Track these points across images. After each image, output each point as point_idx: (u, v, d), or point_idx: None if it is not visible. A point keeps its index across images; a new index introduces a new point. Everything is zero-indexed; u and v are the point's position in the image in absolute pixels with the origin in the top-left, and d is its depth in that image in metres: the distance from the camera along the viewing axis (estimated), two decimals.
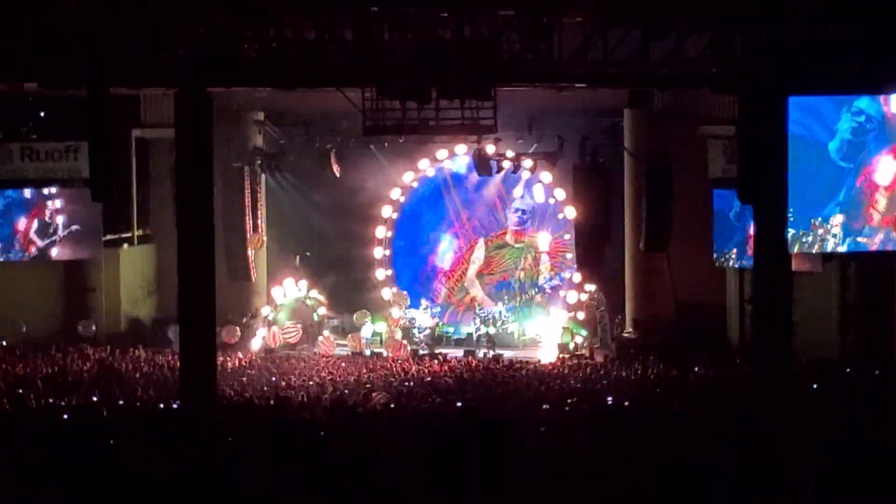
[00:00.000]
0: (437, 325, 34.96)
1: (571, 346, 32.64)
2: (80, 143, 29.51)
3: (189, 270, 20.60)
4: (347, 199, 36.46)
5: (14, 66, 20.64)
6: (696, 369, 26.88)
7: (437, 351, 32.70)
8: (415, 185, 36.51)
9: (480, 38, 20.25)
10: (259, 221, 32.86)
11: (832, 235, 24.21)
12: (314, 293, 35.05)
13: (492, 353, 32.56)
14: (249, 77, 21.54)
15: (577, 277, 33.93)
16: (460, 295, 36.71)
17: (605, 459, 14.62)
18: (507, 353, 32.50)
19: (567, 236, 35.20)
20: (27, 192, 31.61)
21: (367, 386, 24.68)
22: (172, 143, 23.72)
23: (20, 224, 31.63)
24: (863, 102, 22.86)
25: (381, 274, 36.75)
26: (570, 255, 35.25)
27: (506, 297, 35.74)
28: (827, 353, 27.62)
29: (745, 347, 29.51)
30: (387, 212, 36.57)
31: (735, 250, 30.48)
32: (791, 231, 22.22)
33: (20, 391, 22.54)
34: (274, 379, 26.07)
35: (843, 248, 24.48)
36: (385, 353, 32.50)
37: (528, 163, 32.45)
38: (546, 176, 34.01)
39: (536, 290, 36.43)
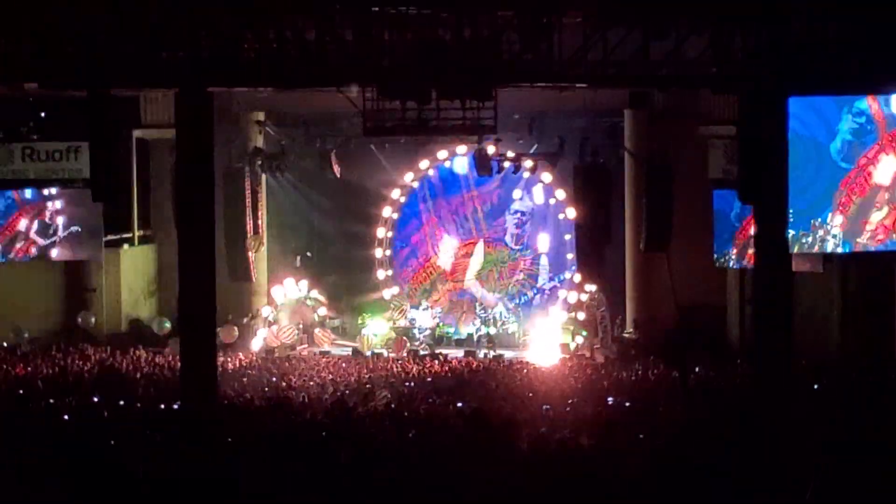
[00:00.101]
0: (437, 325, 34.97)
1: (572, 346, 32.65)
2: (81, 143, 29.51)
3: (189, 271, 20.62)
4: (348, 199, 36.46)
5: (15, 67, 20.65)
6: (697, 370, 26.87)
7: (437, 351, 32.71)
8: (415, 185, 36.52)
9: (480, 39, 20.27)
10: (259, 222, 32.85)
11: (832, 236, 24.23)
12: (314, 293, 35.05)
13: (492, 353, 32.56)
14: (250, 77, 21.55)
15: (578, 278, 33.93)
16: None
17: (606, 459, 14.62)
18: (508, 354, 32.50)
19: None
20: (28, 193, 31.60)
21: (368, 386, 24.68)
22: (173, 144, 23.77)
23: (20, 224, 31.62)
24: (863, 103, 22.87)
25: (381, 274, 36.76)
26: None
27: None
28: (827, 353, 27.61)
29: (745, 348, 29.50)
30: (387, 212, 36.58)
31: (735, 251, 30.48)
32: (791, 232, 22.24)
33: (21, 392, 22.55)
34: (274, 379, 26.07)
35: (842, 249, 24.52)
36: (385, 354, 32.51)
37: (528, 163, 32.41)
38: (546, 176, 34.00)
39: (535, 291, 36.45)
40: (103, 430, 17.36)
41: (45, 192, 31.56)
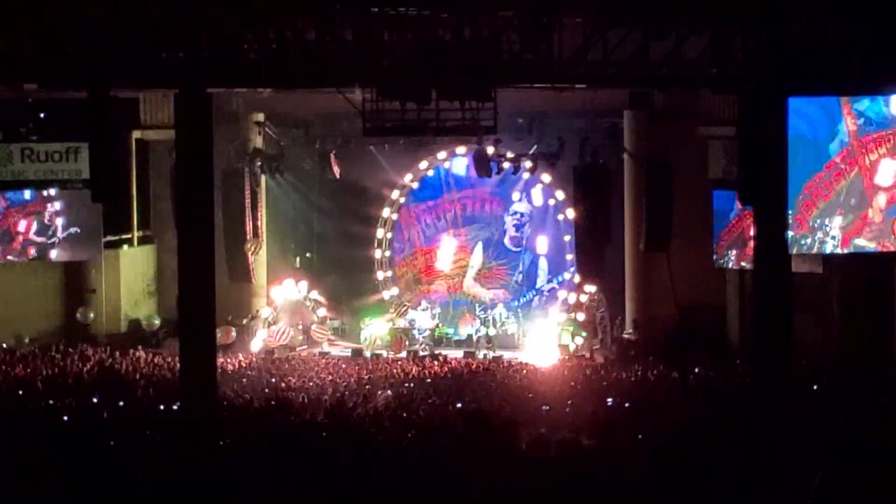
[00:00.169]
0: (437, 326, 34.97)
1: (572, 347, 32.65)
2: (80, 144, 29.55)
3: (189, 271, 20.60)
4: (347, 200, 36.47)
5: (14, 67, 20.64)
6: (697, 370, 26.86)
7: (437, 352, 32.72)
8: (415, 185, 36.54)
9: (480, 39, 20.26)
10: (259, 223, 32.85)
11: (831, 238, 24.23)
12: (314, 294, 35.04)
13: (492, 354, 32.56)
14: (249, 78, 21.57)
15: (577, 279, 33.93)
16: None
17: (606, 459, 14.61)
18: (507, 355, 32.50)
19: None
20: (27, 194, 31.60)
21: (368, 387, 24.68)
22: (172, 145, 23.75)
23: (20, 225, 31.62)
24: (863, 104, 22.87)
25: (380, 275, 36.77)
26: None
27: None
28: (827, 354, 27.60)
29: (745, 348, 29.50)
30: (386, 213, 36.58)
31: (735, 251, 30.49)
32: (790, 233, 22.23)
33: (20, 392, 22.54)
34: (274, 380, 26.07)
35: (842, 250, 24.52)
36: (385, 355, 32.53)
37: (527, 164, 32.41)
38: (545, 177, 34.02)
39: (534, 292, 36.48)
40: (103, 430, 17.35)
41: (44, 193, 31.56)
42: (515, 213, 36.38)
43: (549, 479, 13.52)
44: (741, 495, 12.82)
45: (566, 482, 13.42)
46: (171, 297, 31.25)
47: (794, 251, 23.32)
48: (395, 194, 36.44)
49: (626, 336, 32.84)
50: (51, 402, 21.00)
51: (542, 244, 36.16)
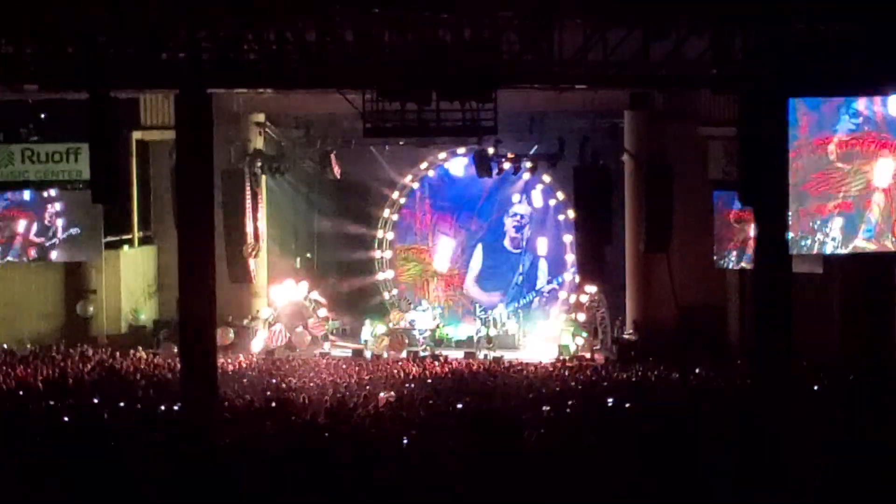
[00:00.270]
0: (437, 326, 34.98)
1: (572, 347, 32.65)
2: (81, 144, 29.57)
3: (189, 272, 20.59)
4: (348, 200, 36.50)
5: (15, 68, 20.63)
6: (697, 370, 26.86)
7: (437, 353, 32.73)
8: (415, 186, 36.56)
9: (481, 40, 20.26)
10: (259, 223, 32.84)
11: (831, 239, 24.24)
12: (314, 294, 35.03)
13: (492, 355, 32.56)
14: (250, 78, 21.56)
15: (577, 279, 33.93)
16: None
17: (606, 459, 14.63)
18: (508, 355, 32.49)
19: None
20: (27, 194, 31.61)
21: (368, 387, 24.68)
22: (173, 145, 23.76)
23: (20, 226, 31.63)
24: (860, 104, 22.88)
25: (381, 275, 36.79)
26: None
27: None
28: (827, 354, 27.60)
29: (745, 348, 29.49)
30: (387, 213, 36.60)
31: (735, 252, 30.49)
32: (790, 234, 22.23)
33: (21, 393, 22.54)
34: (274, 381, 26.07)
35: (842, 251, 24.53)
36: (385, 355, 32.53)
37: (528, 164, 32.41)
38: (545, 178, 34.03)
39: (534, 293, 36.51)
40: (103, 431, 17.36)
41: (44, 194, 31.58)
42: (515, 214, 36.39)
43: (549, 479, 13.53)
44: (741, 495, 12.84)
45: (566, 482, 13.44)
46: (171, 297, 31.29)
47: (795, 252, 23.34)
48: (395, 194, 36.45)
49: (626, 336, 32.82)
50: (51, 402, 21.01)
51: (542, 245, 36.18)
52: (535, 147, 32.10)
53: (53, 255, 31.97)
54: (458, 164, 35.99)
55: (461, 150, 34.65)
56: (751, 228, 26.83)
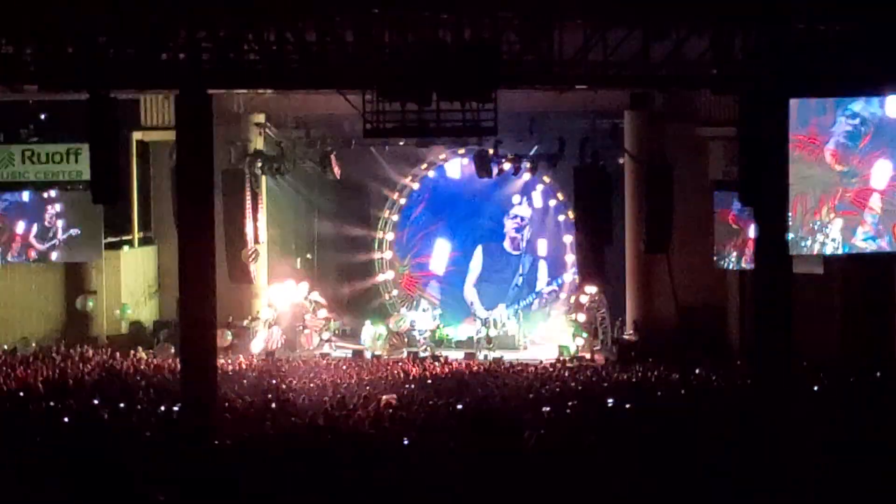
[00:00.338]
0: (437, 327, 34.98)
1: (572, 348, 32.66)
2: (81, 145, 29.58)
3: (190, 273, 20.60)
4: (348, 201, 36.50)
5: (15, 69, 20.64)
6: (697, 371, 26.86)
7: (437, 353, 32.73)
8: (415, 186, 36.56)
9: (481, 40, 20.26)
10: (259, 224, 32.83)
11: (832, 240, 24.25)
12: (315, 295, 35.03)
13: (492, 355, 32.56)
14: (250, 79, 21.57)
15: (577, 280, 33.94)
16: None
17: (606, 460, 14.63)
18: (508, 356, 32.48)
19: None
20: (26, 196, 31.61)
21: (368, 388, 24.67)
22: (173, 146, 23.75)
23: (20, 227, 31.64)
24: (858, 105, 22.89)
25: (381, 276, 36.79)
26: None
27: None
28: (827, 354, 27.61)
29: (745, 348, 29.50)
30: (387, 214, 36.60)
31: (735, 252, 30.50)
32: (791, 235, 22.24)
33: (21, 394, 22.54)
34: (274, 381, 26.05)
35: (842, 251, 24.54)
36: (385, 356, 32.54)
37: (528, 164, 32.40)
38: (545, 178, 34.04)
39: (535, 295, 36.52)
40: (103, 431, 17.36)
41: (44, 195, 31.58)
42: (516, 216, 36.41)
43: (549, 480, 13.53)
44: (741, 495, 12.84)
45: (566, 483, 13.44)
46: (172, 298, 31.31)
47: (795, 252, 23.35)
48: (395, 195, 36.46)
49: (626, 337, 32.83)
50: (51, 403, 21.00)
51: (543, 246, 36.20)
52: (536, 147, 32.10)
53: (54, 255, 31.98)
54: (455, 167, 35.99)
55: (461, 151, 34.64)
56: (751, 229, 26.83)
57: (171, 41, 20.11)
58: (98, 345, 31.79)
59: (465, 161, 34.68)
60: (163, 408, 20.93)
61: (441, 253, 36.87)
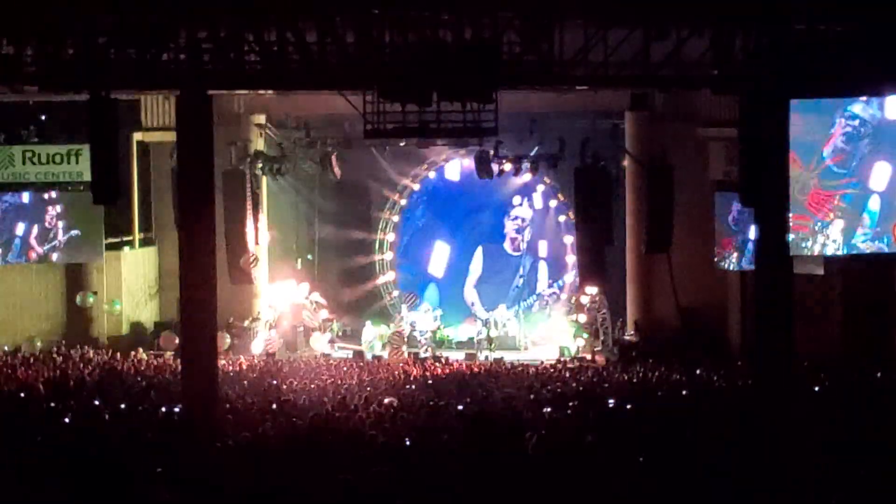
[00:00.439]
0: (438, 327, 34.99)
1: (573, 348, 32.67)
2: (82, 146, 29.60)
3: (190, 274, 20.61)
4: (348, 201, 36.52)
5: (16, 70, 20.64)
6: (698, 371, 26.86)
7: (438, 354, 32.74)
8: (416, 187, 36.58)
9: (481, 41, 20.25)
10: (259, 225, 32.84)
11: (832, 241, 24.28)
12: (315, 296, 35.04)
13: (493, 356, 32.56)
14: (250, 80, 21.56)
15: (578, 281, 33.94)
16: None
17: (606, 460, 14.62)
18: (509, 356, 32.49)
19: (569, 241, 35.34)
20: (25, 198, 31.62)
21: (369, 389, 24.67)
22: (173, 147, 23.75)
23: (21, 228, 31.65)
24: (857, 107, 22.91)
25: (381, 278, 36.81)
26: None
27: None
28: (828, 354, 27.62)
29: (746, 349, 29.50)
30: (387, 214, 36.61)
31: (736, 253, 30.51)
32: (791, 235, 22.24)
33: (22, 395, 22.53)
34: (275, 382, 26.05)
35: (842, 252, 24.57)
36: (386, 356, 32.54)
37: (528, 165, 32.39)
38: (546, 179, 34.05)
39: (535, 297, 36.54)
40: (104, 432, 17.35)
41: (45, 196, 31.59)
42: (516, 217, 36.42)
43: (550, 480, 13.53)
44: (741, 495, 12.82)
45: (567, 483, 13.43)
46: (172, 299, 31.31)
47: (795, 253, 23.38)
48: (396, 196, 36.48)
49: (627, 337, 32.84)
50: (52, 404, 20.99)
51: (543, 247, 36.22)
52: (536, 148, 32.09)
53: (54, 256, 31.99)
54: (455, 168, 36.02)
55: (462, 152, 34.65)
56: (751, 229, 26.84)
57: (171, 42, 20.11)
58: (99, 345, 31.80)
59: (466, 161, 34.65)
60: (164, 408, 20.92)
61: (440, 255, 36.87)
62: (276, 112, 33.62)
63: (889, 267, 27.87)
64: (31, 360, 28.49)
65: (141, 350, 31.20)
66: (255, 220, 32.53)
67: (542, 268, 36.56)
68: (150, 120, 32.66)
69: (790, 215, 21.81)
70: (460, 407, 21.04)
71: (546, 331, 35.27)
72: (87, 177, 23.11)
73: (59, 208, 31.65)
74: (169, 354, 30.29)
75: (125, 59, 20.02)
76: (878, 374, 24.97)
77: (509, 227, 36.55)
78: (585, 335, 33.18)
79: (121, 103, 21.50)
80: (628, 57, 20.55)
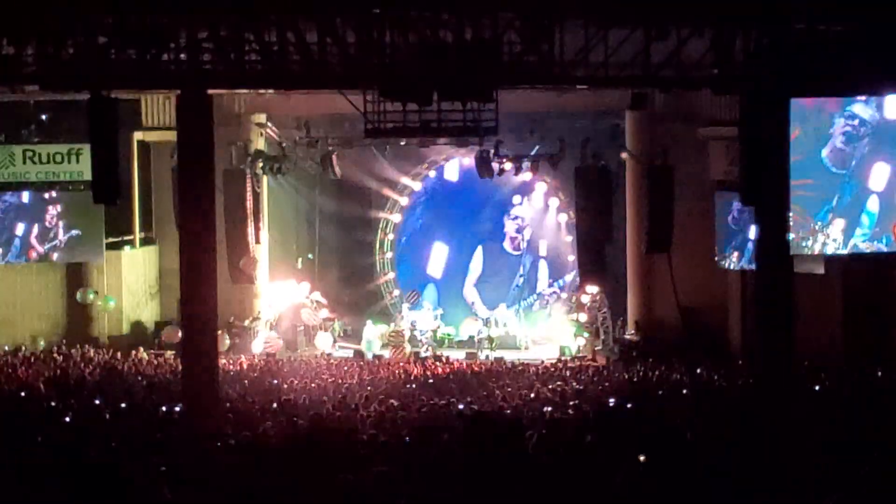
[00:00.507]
0: (438, 327, 35.02)
1: (574, 348, 32.68)
2: (82, 145, 29.60)
3: (191, 273, 20.61)
4: (349, 201, 36.54)
5: (16, 69, 20.64)
6: (698, 370, 26.86)
7: (439, 353, 32.76)
8: (417, 187, 36.60)
9: (482, 40, 20.25)
10: (260, 224, 32.86)
11: (832, 240, 24.29)
12: (316, 295, 35.06)
13: (493, 355, 32.58)
14: (251, 79, 21.55)
15: (579, 280, 33.97)
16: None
17: (606, 460, 14.62)
18: (509, 356, 32.51)
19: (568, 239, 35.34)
20: (25, 197, 31.62)
21: (370, 388, 24.68)
22: (174, 146, 23.74)
23: (21, 228, 31.65)
24: (857, 106, 22.92)
25: (382, 277, 36.82)
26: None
27: None
28: (828, 354, 27.63)
29: (746, 348, 29.51)
30: (388, 214, 36.63)
31: (736, 252, 30.53)
32: (791, 235, 22.25)
33: (22, 394, 22.55)
34: (276, 382, 26.07)
35: (843, 252, 24.58)
36: (386, 356, 32.56)
37: (529, 164, 32.41)
38: (546, 179, 34.06)
39: (536, 296, 36.56)
40: (104, 432, 17.36)
41: (45, 196, 31.60)
42: (516, 216, 36.44)
43: (550, 479, 13.53)
44: (741, 495, 12.83)
45: (567, 483, 13.43)
46: (173, 299, 31.33)
47: (796, 252, 23.39)
48: (396, 195, 36.50)
49: (627, 337, 32.85)
50: (52, 403, 21.01)
51: (543, 246, 36.23)
52: (536, 147, 32.11)
53: (55, 256, 32.00)
54: (454, 167, 36.03)
55: (462, 151, 34.67)
56: (751, 229, 26.86)
57: (171, 41, 20.10)
58: (99, 345, 31.82)
59: (466, 161, 34.66)
60: (164, 408, 20.94)
61: (438, 256, 36.91)
62: (276, 112, 33.62)
63: (890, 267, 27.86)
64: (32, 359, 28.51)
65: (141, 349, 31.20)
66: (256, 219, 32.55)
67: (543, 267, 36.59)
68: (150, 119, 32.69)
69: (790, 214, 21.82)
70: (461, 406, 21.05)
71: (547, 330, 35.28)
72: (88, 176, 23.12)
73: (59, 208, 31.66)
74: (170, 354, 30.26)
75: (125, 58, 20.02)
76: (878, 374, 24.97)
77: (509, 226, 36.58)
78: (586, 334, 33.20)
79: (121, 103, 21.45)
80: (629, 57, 20.54)
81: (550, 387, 24.55)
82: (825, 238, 25.08)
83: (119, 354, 29.93)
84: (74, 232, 31.66)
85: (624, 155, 32.51)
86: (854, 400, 20.72)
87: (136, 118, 32.32)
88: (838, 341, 28.87)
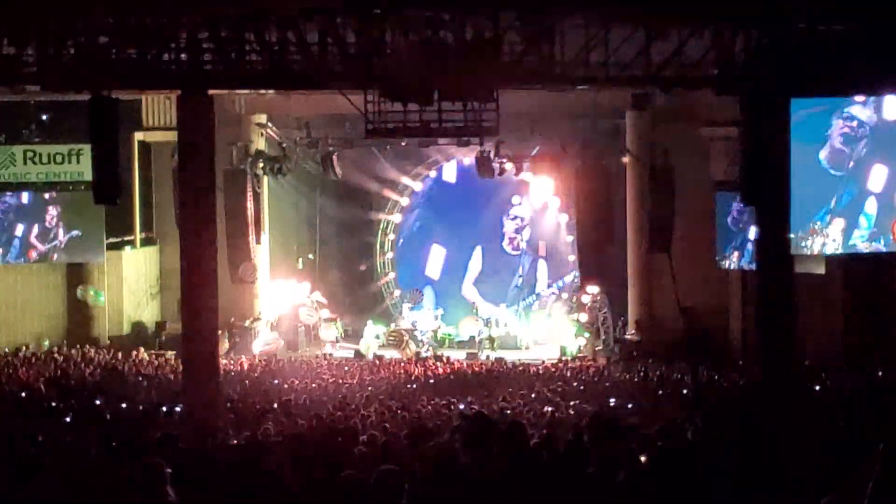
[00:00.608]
0: (439, 327, 35.03)
1: (574, 348, 32.68)
2: (83, 146, 29.60)
3: (192, 273, 20.62)
4: (349, 201, 36.55)
5: (17, 70, 20.65)
6: (698, 370, 26.85)
7: (439, 353, 32.77)
8: (417, 187, 36.60)
9: (482, 41, 20.25)
10: (261, 224, 32.86)
11: (832, 240, 24.29)
12: (316, 295, 35.07)
13: (494, 355, 32.59)
14: (251, 80, 21.56)
15: (579, 280, 33.98)
16: None
17: (607, 460, 14.62)
18: (510, 356, 32.52)
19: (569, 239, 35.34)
20: (25, 197, 31.63)
21: (370, 388, 24.70)
22: (174, 146, 23.74)
23: (21, 228, 31.66)
24: (856, 108, 22.93)
25: (384, 277, 36.83)
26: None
27: None
28: (828, 354, 27.63)
29: (747, 348, 29.52)
30: (389, 214, 36.63)
31: (736, 252, 30.54)
32: (791, 235, 22.26)
33: (23, 394, 22.56)
34: (276, 382, 26.09)
35: (842, 252, 24.59)
36: (387, 356, 32.57)
37: (529, 164, 32.42)
38: (547, 179, 34.05)
39: (535, 296, 36.56)
40: (105, 432, 17.37)
41: (45, 196, 31.61)
42: (516, 216, 36.44)
43: (550, 479, 13.52)
44: (741, 495, 12.82)
45: (567, 483, 13.43)
46: (174, 299, 31.35)
47: (796, 252, 23.40)
48: (397, 195, 36.50)
49: (628, 337, 32.85)
50: (53, 403, 21.02)
51: (543, 246, 36.25)
52: (537, 147, 32.12)
53: (55, 256, 32.00)
54: (452, 168, 36.04)
55: (462, 151, 34.68)
56: (751, 229, 26.87)
57: (172, 42, 20.12)
58: (100, 345, 31.83)
59: (466, 161, 34.67)
60: (165, 408, 20.95)
61: (436, 258, 36.92)
62: (277, 112, 33.63)
63: (890, 267, 27.86)
64: (33, 359, 28.52)
65: (142, 349, 31.22)
66: (257, 219, 32.55)
67: (542, 267, 36.59)
68: (151, 120, 32.71)
69: None
70: (461, 407, 21.06)
71: (547, 330, 35.27)
72: (89, 177, 23.17)
73: (59, 208, 31.68)
74: (170, 354, 30.28)
75: (126, 59, 20.03)
76: (879, 374, 24.97)
77: (508, 226, 36.59)
78: (587, 334, 33.20)
79: (122, 103, 21.45)
80: (629, 57, 20.55)
81: (551, 387, 24.58)
82: (824, 238, 25.08)
83: (120, 354, 29.93)
84: (75, 232, 31.68)
85: (625, 157, 32.49)
86: (854, 400, 20.72)
87: (136, 118, 32.33)
88: (838, 341, 28.87)
